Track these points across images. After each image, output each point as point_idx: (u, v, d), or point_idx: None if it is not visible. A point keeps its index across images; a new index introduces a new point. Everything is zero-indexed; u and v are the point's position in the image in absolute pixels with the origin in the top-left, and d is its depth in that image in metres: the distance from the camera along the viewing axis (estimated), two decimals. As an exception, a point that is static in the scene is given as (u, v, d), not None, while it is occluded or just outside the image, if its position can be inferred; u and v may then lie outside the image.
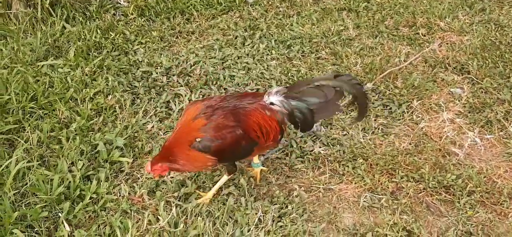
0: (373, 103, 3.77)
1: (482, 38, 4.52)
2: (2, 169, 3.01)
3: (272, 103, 2.78)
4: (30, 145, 3.24)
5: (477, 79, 4.03)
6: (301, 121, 2.82)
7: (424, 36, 4.65)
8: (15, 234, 2.65)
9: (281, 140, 2.95)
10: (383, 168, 3.21)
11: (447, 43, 4.54)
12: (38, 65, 4.05)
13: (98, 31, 4.53)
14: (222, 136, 2.62)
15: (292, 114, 2.79)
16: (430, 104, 3.79)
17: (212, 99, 2.77)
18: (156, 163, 2.65)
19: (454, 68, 4.21)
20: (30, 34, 4.54)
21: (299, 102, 2.78)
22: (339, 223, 2.90)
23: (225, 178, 2.95)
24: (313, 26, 4.79)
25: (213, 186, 2.98)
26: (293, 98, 2.79)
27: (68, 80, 3.87)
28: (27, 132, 3.34)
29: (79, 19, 4.70)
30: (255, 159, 3.11)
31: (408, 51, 4.43)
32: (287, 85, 3.59)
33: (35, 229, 2.74)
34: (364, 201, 3.02)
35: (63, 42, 4.42)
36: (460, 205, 2.99)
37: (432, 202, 3.03)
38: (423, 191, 3.08)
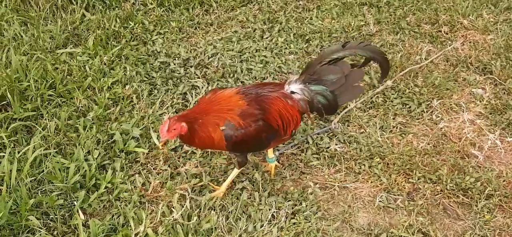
0: (392, 101, 3.71)
1: (507, 38, 4.41)
2: (20, 156, 3.05)
3: (292, 92, 2.76)
4: (48, 132, 3.27)
5: (499, 80, 3.94)
6: (324, 106, 2.78)
7: (447, 34, 4.55)
8: (31, 220, 2.68)
9: (295, 133, 2.91)
10: (400, 168, 3.17)
11: (469, 42, 4.44)
12: (57, 53, 4.08)
13: (117, 20, 4.53)
14: (246, 125, 2.60)
15: (313, 100, 2.75)
16: (451, 104, 3.72)
17: (233, 88, 2.75)
18: (178, 122, 2.50)
19: (476, 68, 4.12)
20: (50, 21, 4.57)
21: (318, 85, 2.74)
22: (353, 222, 2.87)
23: (236, 171, 2.93)
24: (333, 21, 4.73)
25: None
26: (310, 81, 2.75)
27: (87, 68, 3.89)
28: (45, 119, 3.37)
29: (98, 8, 4.70)
30: (270, 154, 3.09)
31: (430, 49, 4.35)
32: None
33: (51, 217, 2.77)
34: (380, 201, 2.98)
35: (82, 30, 4.44)
36: (478, 209, 2.93)
37: (449, 204, 2.97)
38: (440, 193, 3.03)
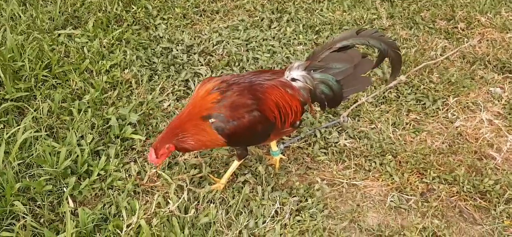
0: (405, 97, 3.51)
1: (526, 37, 4.20)
2: (8, 137, 2.86)
3: (293, 79, 2.53)
4: (40, 114, 3.08)
5: (519, 79, 3.74)
6: (328, 97, 2.54)
7: (463, 30, 4.35)
8: (16, 206, 2.49)
9: (299, 125, 2.72)
10: (413, 167, 2.96)
11: (487, 40, 4.23)
12: (55, 34, 3.89)
13: (120, 3, 4.34)
14: (238, 116, 2.38)
15: (317, 90, 2.52)
16: (467, 103, 3.51)
17: (227, 76, 2.54)
18: (162, 146, 2.40)
19: (495, 66, 3.91)
20: (50, 2, 4.39)
21: (323, 73, 2.50)
22: (362, 222, 2.67)
23: (236, 163, 2.73)
24: (344, 13, 4.53)
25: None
26: (316, 69, 2.51)
27: (85, 50, 3.70)
28: (38, 100, 3.18)
29: (101, -10, 4.52)
30: (274, 147, 2.89)
31: (445, 45, 4.14)
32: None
33: (38, 203, 2.58)
34: (391, 201, 2.78)
35: (83, 12, 4.25)
36: (497, 214, 2.73)
37: (465, 207, 2.77)
38: (456, 195, 2.82)
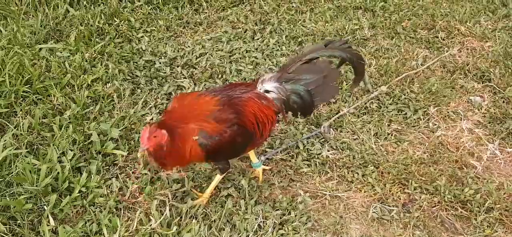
0: (387, 107, 3.54)
1: (505, 45, 4.26)
2: (-12, 155, 2.83)
3: (267, 91, 2.58)
4: (20, 131, 3.05)
5: (499, 88, 3.78)
6: (300, 106, 2.62)
7: (443, 40, 4.40)
8: (-4, 225, 2.46)
9: (270, 135, 2.76)
10: (395, 178, 2.99)
11: (467, 49, 4.30)
12: (37, 48, 3.86)
13: (102, 16, 4.33)
14: (221, 131, 2.40)
15: (289, 100, 2.59)
16: (448, 112, 3.56)
17: (202, 92, 2.58)
18: (159, 129, 2.29)
19: (474, 75, 3.97)
20: (32, 16, 4.35)
21: (294, 84, 2.59)
22: (345, 234, 2.68)
23: (218, 177, 2.74)
24: (326, 24, 4.56)
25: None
26: (287, 80, 2.59)
27: (66, 65, 3.67)
28: (18, 117, 3.15)
29: (83, 3, 4.49)
30: (254, 159, 2.90)
31: (426, 55, 4.19)
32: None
33: (18, 222, 2.55)
34: (374, 212, 2.80)
35: (65, 26, 4.22)
36: (477, 223, 2.76)
37: (447, 217, 2.80)
38: (438, 205, 2.85)
